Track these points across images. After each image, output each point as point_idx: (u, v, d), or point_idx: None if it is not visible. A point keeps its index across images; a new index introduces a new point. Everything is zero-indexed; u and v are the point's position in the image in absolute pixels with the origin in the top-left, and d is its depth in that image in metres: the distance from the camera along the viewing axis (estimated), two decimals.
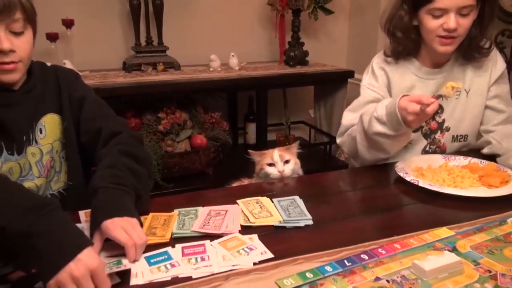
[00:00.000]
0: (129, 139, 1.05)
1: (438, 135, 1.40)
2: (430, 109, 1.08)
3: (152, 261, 0.80)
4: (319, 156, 2.57)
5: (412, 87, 1.36)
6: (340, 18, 2.81)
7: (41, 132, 1.04)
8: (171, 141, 2.10)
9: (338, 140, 1.44)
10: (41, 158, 1.05)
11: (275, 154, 1.23)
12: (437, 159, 1.29)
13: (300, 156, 1.30)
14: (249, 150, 1.29)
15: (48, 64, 1.18)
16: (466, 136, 1.40)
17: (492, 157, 1.30)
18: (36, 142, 1.04)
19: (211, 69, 2.36)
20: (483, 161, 1.25)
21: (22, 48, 0.97)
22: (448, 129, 1.39)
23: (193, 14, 2.51)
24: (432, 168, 1.23)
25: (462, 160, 1.27)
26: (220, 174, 2.24)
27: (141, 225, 0.86)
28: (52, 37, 2.11)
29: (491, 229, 0.91)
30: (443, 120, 1.39)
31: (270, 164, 1.23)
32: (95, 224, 0.82)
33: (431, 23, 1.23)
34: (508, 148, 1.28)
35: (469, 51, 1.33)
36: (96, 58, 2.35)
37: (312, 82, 2.63)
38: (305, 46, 2.57)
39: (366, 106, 1.34)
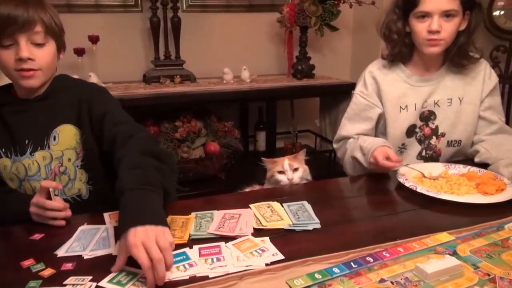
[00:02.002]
0: (146, 139, 0.99)
1: (433, 141, 1.40)
2: (383, 164, 1.18)
3: None
4: (324, 163, 2.56)
5: (403, 94, 1.37)
6: (344, 35, 2.81)
7: (54, 139, 1.07)
8: (187, 148, 2.11)
9: (335, 145, 1.53)
10: (50, 162, 1.07)
11: (285, 163, 1.23)
12: (438, 167, 1.27)
13: (306, 163, 1.29)
14: (262, 158, 1.29)
15: (76, 77, 1.19)
16: (459, 142, 1.40)
17: (487, 166, 1.27)
18: (49, 147, 1.06)
19: (224, 81, 2.37)
20: (481, 169, 1.23)
21: (42, 58, 1.00)
22: (443, 135, 1.39)
23: (208, 31, 2.53)
24: (431, 175, 1.21)
25: (462, 169, 1.26)
26: (231, 179, 2.25)
27: (168, 226, 0.79)
28: (79, 51, 2.14)
29: (489, 234, 0.89)
30: (437, 127, 1.39)
31: (281, 172, 1.23)
32: (121, 232, 0.76)
33: (418, 26, 1.27)
34: (497, 157, 1.26)
35: (457, 58, 1.34)
36: (119, 71, 2.37)
37: (318, 94, 2.63)
38: (311, 60, 2.57)
39: (361, 114, 1.43)
